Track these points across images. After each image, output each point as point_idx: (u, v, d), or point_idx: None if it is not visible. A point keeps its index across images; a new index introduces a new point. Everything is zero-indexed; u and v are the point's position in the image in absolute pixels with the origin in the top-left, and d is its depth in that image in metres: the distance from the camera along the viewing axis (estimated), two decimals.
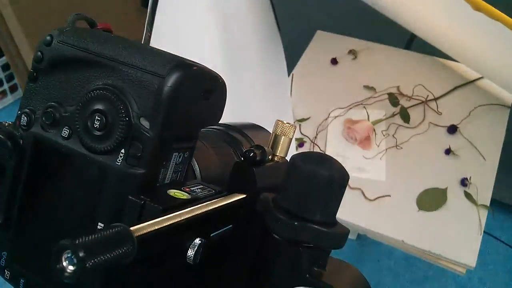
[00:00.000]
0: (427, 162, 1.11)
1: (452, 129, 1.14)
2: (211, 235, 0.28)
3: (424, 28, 1.14)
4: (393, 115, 1.19)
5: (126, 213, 0.26)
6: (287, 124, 0.34)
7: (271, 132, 0.34)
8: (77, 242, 0.18)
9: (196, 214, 0.25)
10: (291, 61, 1.34)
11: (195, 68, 0.28)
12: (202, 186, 0.31)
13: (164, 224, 0.23)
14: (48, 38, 0.28)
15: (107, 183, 0.27)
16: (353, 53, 1.31)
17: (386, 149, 1.12)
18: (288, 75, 1.27)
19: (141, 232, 0.21)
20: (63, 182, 0.28)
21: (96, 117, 0.27)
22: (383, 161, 1.10)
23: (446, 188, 1.06)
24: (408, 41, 1.35)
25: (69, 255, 0.18)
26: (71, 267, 0.18)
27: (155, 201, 0.25)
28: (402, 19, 1.17)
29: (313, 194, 0.25)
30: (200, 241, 0.27)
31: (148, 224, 0.22)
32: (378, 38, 1.35)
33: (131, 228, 0.20)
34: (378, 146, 1.12)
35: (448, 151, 1.12)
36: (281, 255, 0.26)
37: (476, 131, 1.13)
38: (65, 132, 0.28)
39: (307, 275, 0.25)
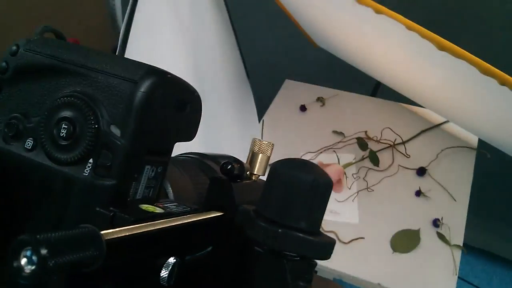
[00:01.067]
0: (399, 204, 1.11)
1: (421, 172, 1.15)
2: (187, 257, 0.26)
3: (389, 75, 1.17)
4: (363, 158, 1.20)
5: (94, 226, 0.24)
6: (264, 142, 0.33)
7: (249, 151, 0.33)
8: (39, 237, 0.16)
9: (169, 226, 0.24)
10: (260, 109, 1.35)
11: (169, 76, 0.27)
12: (176, 204, 0.29)
13: (135, 232, 0.21)
14: (14, 47, 0.27)
15: (74, 196, 0.25)
16: (321, 100, 1.34)
17: (358, 192, 1.12)
18: (259, 122, 1.27)
19: (111, 237, 0.19)
20: (27, 196, 0.26)
21: (63, 126, 0.25)
22: (355, 204, 1.09)
23: (419, 229, 1.06)
24: (374, 88, 1.39)
25: (28, 253, 0.16)
26: (30, 267, 0.16)
27: (126, 213, 0.24)
28: (367, 67, 1.21)
29: (297, 201, 0.23)
30: (174, 260, 0.25)
31: (119, 230, 0.21)
32: (344, 86, 1.38)
33: (101, 232, 0.19)
34: (349, 189, 1.12)
35: (418, 193, 1.12)
36: (264, 268, 0.24)
37: (444, 172, 1.15)
38: (28, 144, 0.26)
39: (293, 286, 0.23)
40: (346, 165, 1.17)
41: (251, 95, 1.33)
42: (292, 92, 1.37)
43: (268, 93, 1.38)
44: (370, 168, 1.17)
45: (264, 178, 0.33)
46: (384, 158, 1.19)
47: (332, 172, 1.14)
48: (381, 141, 1.21)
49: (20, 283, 0.16)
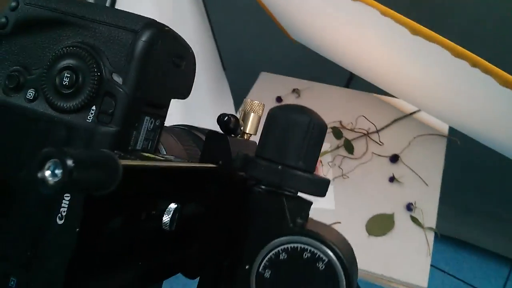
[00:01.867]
0: (373, 190, 1.14)
1: (394, 159, 1.19)
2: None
3: (363, 66, 1.21)
4: (338, 147, 1.22)
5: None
6: (256, 102, 0.34)
7: (240, 111, 0.35)
8: (65, 150, 0.17)
9: (174, 166, 0.25)
10: (237, 101, 1.37)
11: (168, 28, 0.28)
12: (174, 157, 0.30)
13: (147, 164, 0.22)
14: (14, 3, 0.28)
15: (77, 143, 0.26)
16: (296, 92, 1.36)
17: (334, 179, 1.14)
18: (235, 113, 1.28)
19: (126, 163, 0.20)
20: (29, 147, 0.27)
21: (65, 74, 0.26)
22: (331, 190, 1.12)
23: (393, 214, 1.09)
24: (348, 79, 1.42)
25: (54, 164, 0.17)
26: (54, 178, 0.17)
27: (130, 158, 0.25)
28: (341, 59, 1.24)
29: (295, 141, 0.25)
30: (175, 206, 0.26)
31: (132, 161, 0.22)
32: (319, 78, 1.41)
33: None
34: (326, 176, 1.14)
35: (392, 179, 1.15)
36: (263, 207, 0.25)
37: (416, 159, 1.18)
38: (30, 95, 0.27)
39: (291, 225, 0.25)
40: (322, 154, 1.20)
41: (227, 87, 1.34)
42: (268, 84, 1.39)
43: (244, 86, 1.39)
44: (345, 156, 1.20)
45: (255, 138, 0.35)
46: (359, 146, 1.22)
47: None
48: (355, 130, 1.24)
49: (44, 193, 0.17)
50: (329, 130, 1.25)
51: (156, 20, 0.27)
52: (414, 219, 1.08)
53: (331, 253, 0.24)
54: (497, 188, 1.51)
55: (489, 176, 1.48)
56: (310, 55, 1.33)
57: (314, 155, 0.25)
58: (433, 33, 0.73)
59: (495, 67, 0.71)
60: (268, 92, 1.36)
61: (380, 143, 1.21)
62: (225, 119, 0.30)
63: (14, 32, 0.28)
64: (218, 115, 0.31)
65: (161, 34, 0.27)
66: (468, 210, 1.57)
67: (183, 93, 0.31)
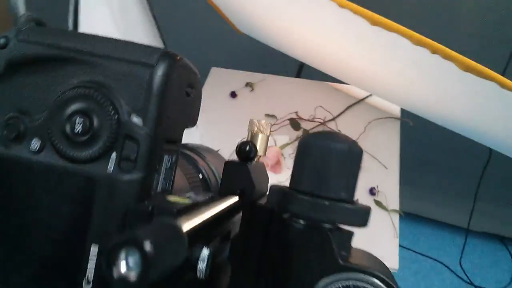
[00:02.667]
0: None
1: None
2: None
3: (313, 55, 1.21)
4: (297, 138, 1.22)
5: (130, 225, 0.22)
6: (262, 121, 0.33)
7: (247, 131, 0.33)
8: (137, 233, 0.15)
9: (216, 214, 0.23)
10: None
11: (179, 58, 0.26)
12: (193, 193, 0.28)
13: (205, 217, 0.20)
14: (3, 40, 0.24)
15: (99, 195, 0.23)
16: (250, 85, 1.34)
17: None
18: None
19: (187, 229, 0.18)
20: (39, 203, 0.24)
21: (77, 120, 0.23)
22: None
23: (357, 200, 1.11)
24: (298, 69, 1.42)
25: (127, 253, 0.14)
26: (131, 270, 0.14)
27: (162, 207, 0.22)
28: (291, 49, 1.23)
29: (335, 171, 0.23)
30: (208, 251, 0.24)
31: (183, 218, 0.19)
32: (270, 70, 1.40)
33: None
34: (288, 169, 1.14)
35: None
36: (305, 243, 0.24)
37: (373, 143, 1.21)
38: (34, 145, 0.24)
39: (340, 261, 0.24)
40: (283, 146, 1.19)
41: None
42: (220, 79, 1.36)
43: None
44: None
45: (264, 159, 0.33)
46: None
47: (270, 155, 1.15)
48: (312, 120, 1.25)
49: None
50: (286, 122, 1.25)
51: (168, 51, 0.25)
52: (378, 203, 1.10)
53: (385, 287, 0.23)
54: (445, 161, 1.58)
55: (440, 152, 1.55)
56: (258, 47, 1.32)
57: (354, 183, 0.24)
58: (392, 22, 0.74)
59: (455, 53, 0.73)
60: (220, 87, 1.34)
61: (337, 131, 1.22)
62: (247, 148, 0.28)
63: (7, 73, 0.24)
64: (239, 145, 0.29)
65: (177, 65, 0.25)
66: (423, 186, 1.63)
67: (193, 121, 0.29)
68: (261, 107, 1.28)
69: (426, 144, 1.52)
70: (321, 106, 1.25)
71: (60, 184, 0.23)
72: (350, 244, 0.25)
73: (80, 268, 0.23)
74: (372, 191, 1.12)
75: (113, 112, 0.23)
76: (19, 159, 0.24)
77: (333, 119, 1.24)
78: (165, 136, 0.25)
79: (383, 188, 1.12)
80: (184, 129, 0.28)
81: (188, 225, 0.19)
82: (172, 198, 0.25)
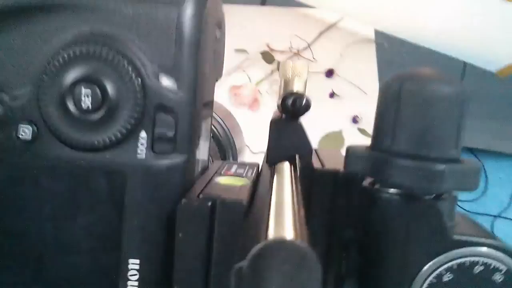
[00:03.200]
0: (316, 109, 1.09)
1: (330, 73, 1.15)
2: None
3: None
4: (272, 72, 1.15)
5: (184, 230, 0.16)
6: (298, 63, 0.26)
7: (280, 77, 0.26)
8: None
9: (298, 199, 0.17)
10: None
11: None
12: (236, 166, 0.22)
13: (296, 209, 0.14)
14: None
15: (130, 193, 0.16)
16: None
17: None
18: None
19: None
20: (43, 212, 0.17)
21: (82, 92, 0.16)
22: None
23: (341, 130, 1.07)
24: None
25: None
26: None
27: (224, 200, 0.16)
28: None
29: (444, 122, 0.18)
30: None
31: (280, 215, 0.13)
32: (233, 0, 1.29)
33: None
34: (265, 106, 1.09)
35: (332, 95, 1.12)
36: (408, 218, 0.18)
37: (351, 69, 1.16)
38: (24, 132, 0.17)
39: (454, 236, 0.18)
40: (258, 83, 1.12)
41: None
42: None
43: None
44: None
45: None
46: None
47: (247, 93, 1.09)
48: (285, 51, 1.18)
49: None
50: (259, 56, 1.17)
51: None
52: (362, 131, 1.07)
53: (510, 260, 0.18)
54: None
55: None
56: None
57: (463, 135, 0.18)
58: None
59: None
60: None
61: (313, 60, 1.16)
62: (299, 101, 0.22)
63: None
64: (282, 97, 0.22)
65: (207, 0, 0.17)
66: None
67: (221, 71, 0.23)
68: (229, 42, 1.19)
69: (402, 66, 1.49)
70: (296, 35, 1.17)
71: (72, 184, 0.17)
72: (454, 213, 0.20)
73: (115, 285, 0.17)
74: (355, 120, 1.08)
75: (133, 73, 0.16)
76: (5, 153, 0.17)
77: (308, 46, 1.17)
78: (202, 98, 0.18)
79: (365, 115, 1.08)
80: (215, 84, 0.21)
81: (296, 232, 0.13)
82: (222, 181, 0.19)
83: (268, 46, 1.19)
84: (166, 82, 0.16)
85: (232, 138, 0.40)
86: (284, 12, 1.27)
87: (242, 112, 1.07)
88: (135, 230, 0.16)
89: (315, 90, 1.12)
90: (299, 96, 0.22)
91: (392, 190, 0.19)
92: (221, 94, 1.10)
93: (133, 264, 0.16)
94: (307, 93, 0.26)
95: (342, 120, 1.08)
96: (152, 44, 0.16)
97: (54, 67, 0.16)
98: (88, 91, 0.16)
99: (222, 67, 0.23)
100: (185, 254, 0.16)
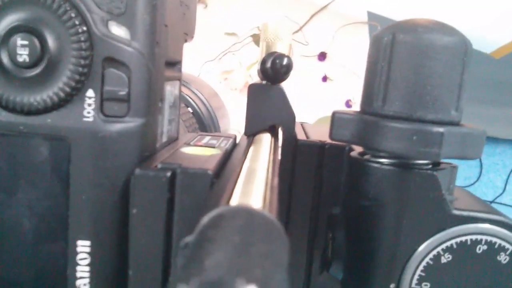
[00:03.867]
0: (309, 93, 1.08)
1: (322, 56, 1.13)
2: None
3: None
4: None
5: (140, 202, 0.14)
6: (281, 25, 0.24)
7: (260, 41, 0.24)
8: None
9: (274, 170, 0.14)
10: None
11: None
12: (209, 137, 0.19)
13: (269, 181, 0.12)
14: None
15: (76, 164, 0.14)
16: (202, 1, 1.21)
17: None
18: None
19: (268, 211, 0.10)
20: None
21: (18, 43, 0.13)
22: None
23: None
24: None
25: None
26: None
27: (187, 169, 0.14)
28: None
29: (443, 79, 0.15)
30: None
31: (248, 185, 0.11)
32: None
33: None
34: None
35: (325, 78, 1.10)
36: (403, 191, 0.16)
37: (343, 53, 1.13)
38: None
39: (452, 210, 0.16)
40: (249, 67, 1.10)
41: None
42: None
43: None
44: None
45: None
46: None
47: (238, 77, 1.06)
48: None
49: None
50: (249, 40, 1.14)
51: None
52: None
53: None
54: None
55: None
56: None
57: (464, 96, 0.16)
58: None
59: None
60: None
61: (305, 43, 1.13)
62: (280, 63, 0.19)
63: None
64: (262, 59, 0.20)
65: None
66: None
67: (192, 32, 0.20)
68: (219, 25, 1.16)
69: None
70: (287, 18, 1.14)
71: (9, 153, 0.14)
72: (454, 184, 0.17)
73: (62, 270, 0.14)
74: (348, 104, 1.06)
75: (77, 20, 0.13)
76: None
77: (300, 29, 1.15)
78: (164, 55, 0.16)
79: (359, 99, 1.06)
80: (183, 44, 0.19)
81: (265, 204, 0.10)
82: (189, 151, 0.16)
83: (258, 29, 1.16)
84: (117, 30, 0.14)
85: (216, 118, 0.37)
86: None
87: (233, 96, 1.05)
88: (83, 207, 0.14)
89: (307, 74, 1.10)
90: (278, 56, 0.19)
91: (384, 160, 0.17)
92: (212, 78, 1.07)
93: (83, 246, 0.14)
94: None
95: (335, 104, 1.06)
96: None
97: None
98: (25, 42, 0.13)
99: (194, 25, 0.20)
100: (140, 233, 0.13)
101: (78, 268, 0.14)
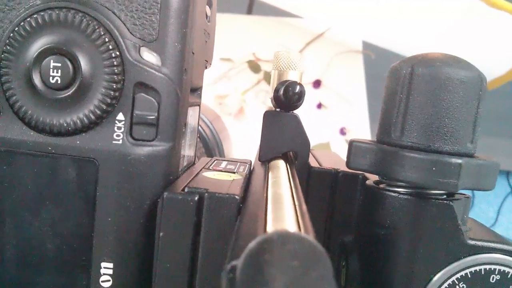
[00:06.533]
0: (304, 120, 1.09)
1: (317, 84, 1.14)
2: None
3: None
4: (258, 82, 1.14)
5: (167, 225, 0.14)
6: (293, 54, 0.24)
7: (272, 70, 0.24)
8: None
9: (293, 192, 0.15)
10: None
11: None
12: (226, 162, 0.19)
13: (297, 205, 0.12)
14: None
15: (103, 185, 0.14)
16: None
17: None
18: None
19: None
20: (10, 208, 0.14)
21: (51, 65, 0.14)
22: None
23: (328, 142, 1.06)
24: (249, 5, 1.31)
25: None
26: None
27: (213, 195, 0.14)
28: None
29: (461, 112, 0.16)
30: None
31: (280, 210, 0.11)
32: (218, 9, 1.28)
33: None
34: (251, 117, 1.07)
35: (319, 106, 1.11)
36: (419, 220, 0.16)
37: (338, 80, 1.15)
38: None
39: (468, 240, 0.16)
40: (244, 92, 1.11)
41: None
42: None
43: None
44: (267, 91, 1.12)
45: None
46: None
47: (232, 103, 1.07)
48: (271, 60, 1.16)
49: None
50: (245, 66, 1.16)
51: None
52: None
53: None
54: None
55: None
56: None
57: (479, 130, 0.17)
58: None
59: None
60: None
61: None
62: (293, 91, 0.20)
63: None
64: (275, 88, 0.21)
65: None
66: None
67: (211, 58, 0.21)
68: (215, 51, 1.18)
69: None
70: (283, 45, 1.16)
71: (37, 173, 0.14)
72: (468, 214, 0.18)
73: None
74: (342, 131, 1.07)
75: (111, 45, 0.14)
76: None
77: None
78: (190, 81, 0.16)
79: (353, 127, 1.07)
80: (204, 71, 0.19)
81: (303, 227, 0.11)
82: (210, 174, 0.16)
83: (254, 55, 1.17)
84: (149, 57, 0.14)
85: (220, 140, 0.37)
86: (270, 21, 1.26)
87: (227, 121, 1.05)
88: (108, 228, 0.14)
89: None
90: (291, 83, 0.20)
91: (400, 189, 0.17)
92: (206, 102, 1.07)
93: (106, 268, 0.14)
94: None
95: (329, 132, 1.07)
96: (133, 11, 0.14)
97: (19, 36, 0.14)
98: (58, 64, 0.14)
99: (212, 52, 0.21)
100: (166, 257, 0.13)
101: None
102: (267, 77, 1.13)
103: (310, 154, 0.24)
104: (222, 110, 1.06)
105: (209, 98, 1.07)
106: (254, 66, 1.14)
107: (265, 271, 0.07)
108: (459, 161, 0.15)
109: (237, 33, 1.23)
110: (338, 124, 1.07)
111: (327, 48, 1.20)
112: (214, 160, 0.19)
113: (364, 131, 1.06)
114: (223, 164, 0.19)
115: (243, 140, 1.00)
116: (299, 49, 1.18)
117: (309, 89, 1.13)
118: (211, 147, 0.32)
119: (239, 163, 0.19)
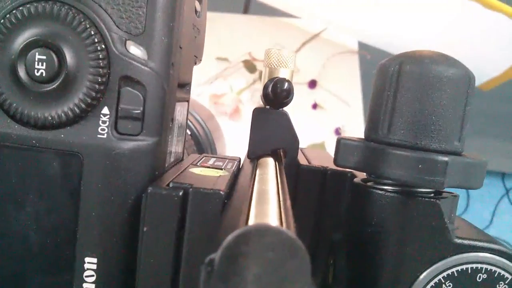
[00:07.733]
0: (299, 120, 1.08)
1: (313, 84, 1.14)
2: None
3: None
4: (254, 81, 1.14)
5: (152, 220, 0.14)
6: (285, 51, 0.24)
7: (263, 67, 0.24)
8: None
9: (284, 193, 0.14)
10: None
11: None
12: (214, 159, 0.19)
13: (282, 202, 0.12)
14: None
15: (88, 181, 0.14)
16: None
17: None
18: None
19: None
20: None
21: (36, 58, 0.14)
22: None
23: (323, 142, 1.06)
24: (245, 4, 1.31)
25: None
26: None
27: (198, 190, 0.14)
28: None
29: (447, 110, 0.16)
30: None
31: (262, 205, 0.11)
32: (215, 8, 1.28)
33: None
34: (247, 116, 1.07)
35: (315, 106, 1.11)
36: (406, 218, 0.16)
37: (334, 81, 1.15)
38: None
39: (455, 239, 0.16)
40: (240, 92, 1.11)
41: None
42: None
43: None
44: None
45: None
46: None
47: (228, 102, 1.07)
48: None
49: None
50: (241, 65, 1.16)
51: None
52: None
53: None
54: None
55: None
56: None
57: (467, 128, 0.17)
58: None
59: None
60: None
61: (296, 70, 1.15)
62: (282, 87, 0.20)
63: None
64: (264, 84, 0.20)
65: None
66: None
67: (201, 55, 0.20)
68: (211, 50, 1.18)
69: None
70: (279, 45, 1.16)
71: (21, 166, 0.14)
72: (455, 213, 0.18)
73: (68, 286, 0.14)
74: (337, 132, 1.07)
75: (96, 38, 0.14)
76: None
77: None
78: (177, 76, 0.16)
79: (348, 127, 1.07)
80: (193, 67, 0.19)
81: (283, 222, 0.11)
82: (197, 170, 0.16)
83: (250, 55, 1.17)
84: (135, 50, 0.14)
85: (213, 140, 0.37)
86: (266, 21, 1.26)
87: (222, 121, 1.05)
88: (92, 223, 0.14)
89: (297, 101, 1.11)
90: (279, 80, 0.20)
91: (387, 187, 0.17)
92: (202, 102, 1.07)
93: (90, 263, 0.14)
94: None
95: (325, 132, 1.07)
96: (120, 4, 0.14)
97: (5, 28, 0.14)
98: (43, 57, 0.14)
99: (203, 48, 0.20)
100: (150, 251, 0.13)
101: (84, 285, 0.14)
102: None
103: (300, 152, 0.24)
104: (217, 109, 1.06)
105: (205, 97, 1.07)
106: (250, 66, 1.14)
107: (239, 262, 0.07)
108: (446, 158, 0.15)
109: (233, 33, 1.23)
110: (334, 124, 1.07)
111: (323, 48, 1.20)
112: (203, 157, 0.19)
113: (359, 131, 1.06)
114: (211, 160, 0.19)
115: (238, 140, 1.00)
116: (295, 49, 1.18)
117: (304, 89, 1.13)
118: (203, 146, 0.32)
119: (227, 160, 0.19)
